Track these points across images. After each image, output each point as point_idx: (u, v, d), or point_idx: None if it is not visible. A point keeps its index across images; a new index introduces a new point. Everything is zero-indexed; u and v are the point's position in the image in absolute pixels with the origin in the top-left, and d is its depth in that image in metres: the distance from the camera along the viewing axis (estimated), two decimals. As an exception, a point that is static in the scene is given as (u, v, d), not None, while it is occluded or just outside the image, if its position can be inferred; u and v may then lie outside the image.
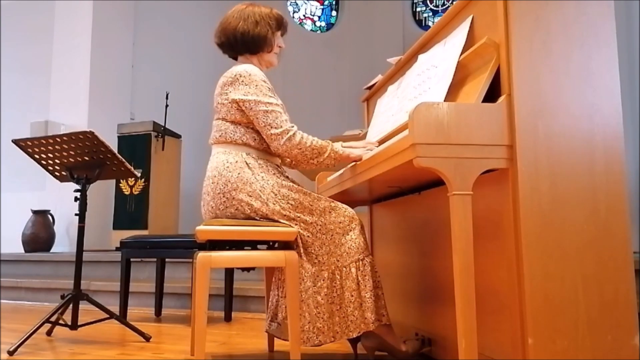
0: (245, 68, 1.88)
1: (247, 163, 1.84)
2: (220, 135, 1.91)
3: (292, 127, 1.84)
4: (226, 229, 1.79)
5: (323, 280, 1.76)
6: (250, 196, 1.80)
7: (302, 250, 1.79)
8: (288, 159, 1.94)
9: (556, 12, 1.41)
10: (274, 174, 1.87)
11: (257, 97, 1.83)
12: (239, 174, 1.81)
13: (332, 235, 1.80)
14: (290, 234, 1.79)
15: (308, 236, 1.80)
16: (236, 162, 1.84)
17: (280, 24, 2.03)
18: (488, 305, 1.46)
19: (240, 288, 3.32)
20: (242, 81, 1.85)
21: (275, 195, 1.81)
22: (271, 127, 1.81)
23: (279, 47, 2.04)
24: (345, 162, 1.89)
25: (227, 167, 1.83)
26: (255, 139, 1.89)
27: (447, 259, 1.66)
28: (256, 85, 1.84)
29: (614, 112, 1.42)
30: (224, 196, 1.82)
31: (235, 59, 2.05)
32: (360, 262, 1.77)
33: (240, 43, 1.96)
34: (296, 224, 1.80)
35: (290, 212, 1.80)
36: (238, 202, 1.81)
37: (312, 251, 1.79)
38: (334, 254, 1.78)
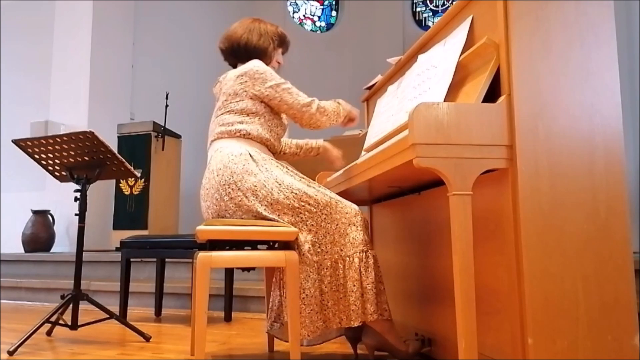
0: (256, 63, 1.99)
1: (250, 155, 1.89)
2: (224, 130, 1.96)
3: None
4: (226, 229, 1.79)
5: (326, 269, 1.80)
6: (255, 186, 1.83)
7: (305, 245, 1.79)
8: (320, 125, 2.02)
9: (556, 12, 1.41)
10: (276, 166, 1.92)
11: (277, 82, 1.97)
12: (243, 165, 1.86)
13: (337, 225, 1.82)
14: (291, 233, 1.79)
15: (312, 224, 1.82)
16: (240, 154, 1.89)
17: (282, 41, 2.17)
18: (488, 305, 1.46)
19: (240, 288, 3.32)
20: (258, 71, 1.96)
21: (280, 185, 1.84)
22: (299, 99, 1.97)
23: (278, 62, 2.17)
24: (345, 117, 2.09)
25: (232, 159, 1.87)
26: (258, 130, 1.96)
27: (447, 259, 1.66)
28: (271, 73, 1.98)
29: (613, 112, 1.42)
30: (229, 187, 1.84)
31: (234, 66, 2.14)
32: (364, 254, 1.80)
33: (242, 51, 2.08)
34: (301, 213, 1.82)
35: (294, 202, 1.82)
36: (243, 193, 1.83)
37: (316, 240, 1.81)
38: (337, 243, 1.81)
